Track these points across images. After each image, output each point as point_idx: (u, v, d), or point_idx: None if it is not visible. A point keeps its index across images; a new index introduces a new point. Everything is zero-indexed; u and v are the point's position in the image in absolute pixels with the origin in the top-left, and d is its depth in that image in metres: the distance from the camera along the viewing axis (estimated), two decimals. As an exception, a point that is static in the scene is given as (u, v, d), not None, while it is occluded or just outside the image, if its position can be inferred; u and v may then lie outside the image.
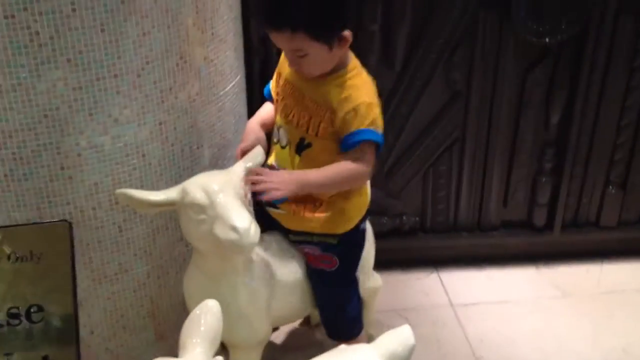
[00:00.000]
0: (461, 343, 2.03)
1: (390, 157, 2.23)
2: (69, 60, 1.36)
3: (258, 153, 1.58)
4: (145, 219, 1.58)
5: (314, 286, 1.67)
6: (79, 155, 1.44)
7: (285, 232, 1.67)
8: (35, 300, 1.06)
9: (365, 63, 2.06)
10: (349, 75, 1.52)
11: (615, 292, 2.26)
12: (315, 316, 2.03)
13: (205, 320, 1.22)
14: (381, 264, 1.91)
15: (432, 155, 2.25)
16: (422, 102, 2.17)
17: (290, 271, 1.65)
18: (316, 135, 1.53)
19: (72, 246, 1.10)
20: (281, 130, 1.61)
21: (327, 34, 1.43)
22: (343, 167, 1.50)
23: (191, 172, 1.59)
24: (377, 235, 1.90)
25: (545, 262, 2.39)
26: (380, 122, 1.51)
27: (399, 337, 1.34)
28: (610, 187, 2.35)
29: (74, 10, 1.33)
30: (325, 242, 1.62)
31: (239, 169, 1.51)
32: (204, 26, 1.57)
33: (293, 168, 1.58)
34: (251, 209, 1.47)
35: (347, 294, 1.70)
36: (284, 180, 1.48)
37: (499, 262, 2.37)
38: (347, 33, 1.45)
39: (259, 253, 1.59)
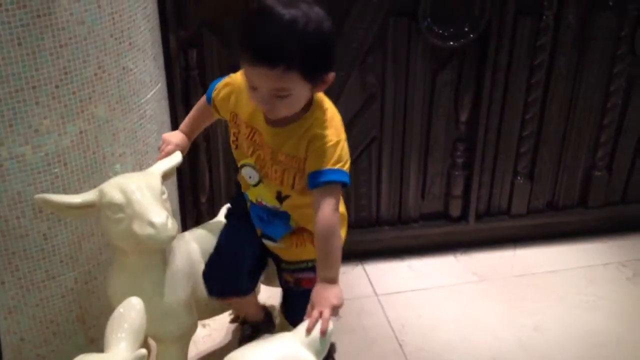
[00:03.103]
0: (385, 329, 2.13)
1: (312, 157, 2.33)
2: (-14, 74, 1.40)
3: (176, 155, 1.66)
4: (70, 226, 1.62)
5: (296, 303, 1.63)
6: (0, 165, 1.47)
7: (277, 262, 1.71)
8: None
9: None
10: (314, 117, 1.47)
11: (527, 275, 2.40)
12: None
13: (128, 317, 1.28)
14: (306, 260, 1.99)
15: (352, 154, 2.31)
16: (340, 104, 2.25)
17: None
18: (292, 188, 1.52)
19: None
20: (247, 169, 1.59)
21: (318, 75, 1.39)
22: (325, 228, 1.44)
23: (114, 178, 1.65)
24: (302, 233, 1.98)
25: (462, 251, 2.52)
26: (345, 160, 1.48)
27: (317, 324, 1.43)
28: (519, 177, 2.50)
29: (-12, 25, 1.37)
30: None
31: (155, 169, 1.58)
32: (121, 37, 1.63)
33: (277, 205, 1.58)
34: (168, 206, 1.53)
35: None
36: (327, 297, 1.41)
37: (419, 253, 2.50)
38: (331, 75, 1.43)
39: (181, 247, 1.65)
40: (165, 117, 1.98)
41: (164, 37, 1.97)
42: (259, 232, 1.68)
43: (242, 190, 1.66)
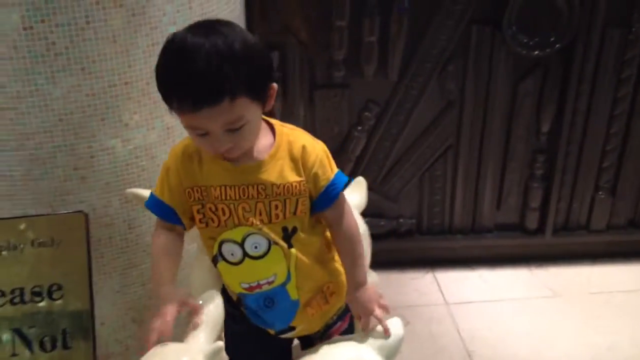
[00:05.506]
0: (454, 339, 2.12)
1: (387, 162, 2.34)
2: (82, 69, 1.46)
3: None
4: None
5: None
6: (92, 157, 1.54)
7: (305, 341, 1.51)
8: (55, 280, 1.16)
9: (363, 74, 2.20)
10: (284, 132, 1.32)
11: (603, 293, 2.34)
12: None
13: (207, 309, 1.31)
14: (378, 265, 1.97)
15: (427, 160, 2.35)
16: (418, 110, 2.28)
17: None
18: (294, 214, 1.31)
19: (88, 234, 1.19)
20: (227, 246, 1.33)
21: (263, 90, 1.22)
22: (351, 234, 1.38)
23: (196, 174, 1.69)
24: (375, 237, 1.98)
25: (537, 264, 2.47)
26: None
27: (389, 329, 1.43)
28: (600, 192, 2.43)
29: (87, 22, 1.43)
30: (340, 312, 1.50)
31: None
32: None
33: (289, 267, 1.34)
34: None
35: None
36: (371, 299, 1.40)
37: (492, 264, 2.47)
38: (274, 86, 1.25)
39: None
40: (247, 117, 2.02)
41: (248, 39, 2.02)
42: (271, 332, 1.44)
43: (227, 285, 1.42)
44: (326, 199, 1.32)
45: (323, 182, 1.31)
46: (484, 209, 2.43)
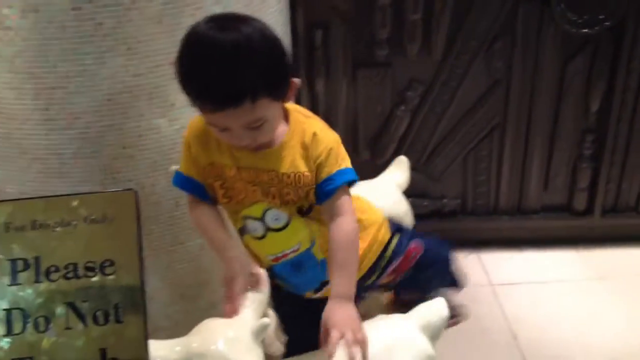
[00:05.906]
0: (499, 320, 2.10)
1: (431, 141, 2.32)
2: (129, 49, 1.48)
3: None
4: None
5: (417, 278, 1.53)
6: (140, 136, 1.56)
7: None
8: (107, 256, 1.19)
9: (406, 52, 2.18)
10: (299, 121, 1.33)
11: (653, 275, 2.29)
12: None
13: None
14: (421, 245, 1.99)
15: (473, 140, 2.32)
16: (463, 89, 2.25)
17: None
18: (306, 198, 1.34)
19: (138, 211, 1.22)
20: (249, 223, 1.39)
21: (284, 88, 1.24)
22: (347, 234, 1.31)
23: (241, 152, 1.71)
24: (418, 217, 1.98)
25: (584, 246, 2.43)
26: (345, 154, 1.34)
27: (433, 308, 1.43)
28: (651, 173, 2.38)
29: (133, 2, 1.45)
30: (391, 254, 1.49)
31: None
32: (253, 17, 1.68)
33: (312, 234, 1.39)
34: None
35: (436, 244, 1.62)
36: (346, 319, 1.26)
37: (538, 245, 2.43)
38: (296, 80, 1.26)
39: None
40: (290, 96, 2.02)
41: (291, 18, 2.01)
42: (309, 295, 1.47)
43: (254, 259, 1.44)
44: (321, 193, 1.30)
45: (323, 175, 1.30)
46: (531, 190, 2.40)
